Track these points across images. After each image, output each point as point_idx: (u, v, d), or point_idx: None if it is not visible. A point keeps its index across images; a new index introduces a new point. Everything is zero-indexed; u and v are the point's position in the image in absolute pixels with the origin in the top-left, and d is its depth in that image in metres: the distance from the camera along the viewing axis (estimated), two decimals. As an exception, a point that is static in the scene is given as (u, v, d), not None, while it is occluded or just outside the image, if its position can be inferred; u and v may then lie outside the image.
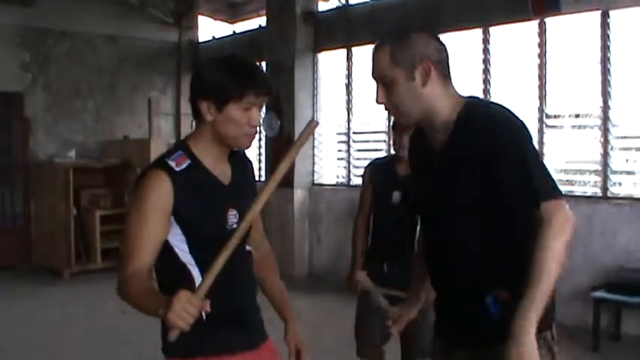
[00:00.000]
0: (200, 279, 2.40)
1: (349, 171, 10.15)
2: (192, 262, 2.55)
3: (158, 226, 2.49)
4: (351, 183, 9.97)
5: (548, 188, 2.33)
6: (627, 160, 7.38)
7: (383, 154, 7.54)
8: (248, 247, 2.76)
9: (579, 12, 7.46)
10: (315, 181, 10.53)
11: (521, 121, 2.46)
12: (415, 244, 4.35)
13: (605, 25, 7.25)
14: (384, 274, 4.52)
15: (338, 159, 10.41)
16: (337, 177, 10.45)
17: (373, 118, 9.61)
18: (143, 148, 10.84)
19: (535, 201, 2.31)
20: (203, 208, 2.55)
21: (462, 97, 2.57)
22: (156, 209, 2.48)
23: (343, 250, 9.24)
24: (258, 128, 2.64)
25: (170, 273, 2.58)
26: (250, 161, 2.87)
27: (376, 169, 4.79)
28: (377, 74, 2.57)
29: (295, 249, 10.12)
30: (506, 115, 2.45)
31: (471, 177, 2.42)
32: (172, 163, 2.53)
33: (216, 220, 2.59)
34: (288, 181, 9.98)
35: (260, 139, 11.17)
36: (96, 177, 11.16)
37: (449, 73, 2.56)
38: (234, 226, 2.58)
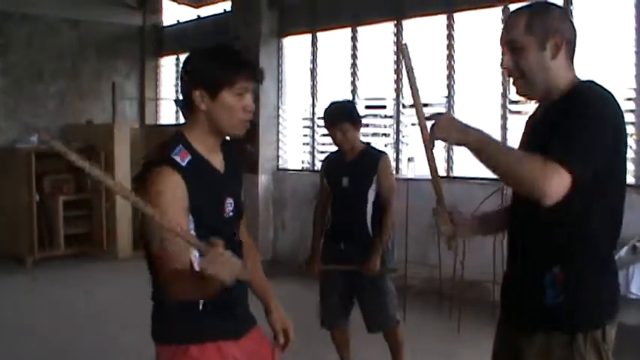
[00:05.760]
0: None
1: (313, 156, 10.15)
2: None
3: (179, 218, 2.44)
4: (316, 168, 9.91)
5: (565, 152, 2.37)
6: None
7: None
8: (240, 238, 2.80)
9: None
10: (280, 166, 10.50)
11: (612, 109, 2.51)
12: (367, 224, 5.16)
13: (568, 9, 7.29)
14: (341, 251, 5.24)
15: (303, 144, 10.39)
16: (302, 162, 10.45)
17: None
18: (107, 133, 10.76)
19: (551, 153, 2.37)
20: (207, 199, 2.55)
21: (580, 80, 2.64)
22: (174, 202, 2.45)
23: (307, 235, 9.21)
24: (252, 115, 2.64)
25: None
26: (237, 150, 2.87)
27: (329, 162, 5.51)
28: (508, 38, 2.64)
29: (259, 234, 10.09)
30: (596, 97, 2.51)
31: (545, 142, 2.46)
32: (177, 158, 2.52)
33: (216, 209, 2.60)
34: (252, 167, 9.98)
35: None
36: (58, 162, 10.97)
37: (574, 55, 2.66)
38: (231, 214, 2.65)
